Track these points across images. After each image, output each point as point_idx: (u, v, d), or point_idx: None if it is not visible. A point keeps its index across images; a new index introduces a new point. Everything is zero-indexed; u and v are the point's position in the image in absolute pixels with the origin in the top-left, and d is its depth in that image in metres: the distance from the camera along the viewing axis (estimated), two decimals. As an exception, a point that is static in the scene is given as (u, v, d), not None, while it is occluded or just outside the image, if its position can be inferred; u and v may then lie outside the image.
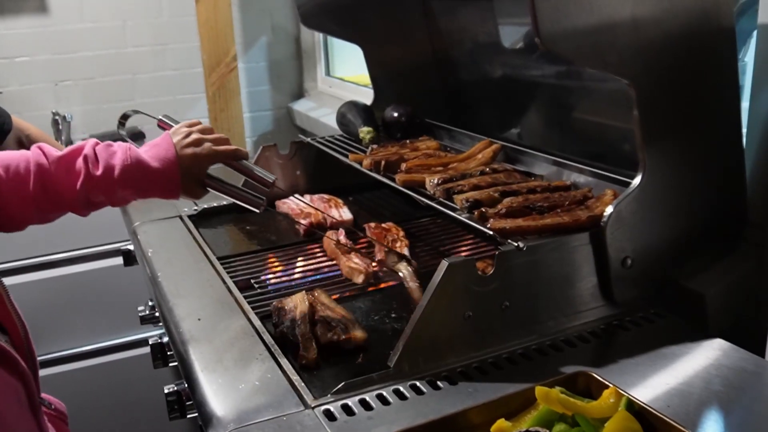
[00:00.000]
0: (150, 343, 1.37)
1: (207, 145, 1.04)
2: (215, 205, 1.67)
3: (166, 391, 1.16)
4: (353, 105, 1.80)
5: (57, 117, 2.69)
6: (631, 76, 1.00)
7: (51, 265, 2.31)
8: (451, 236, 1.50)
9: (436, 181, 1.26)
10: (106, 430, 2.33)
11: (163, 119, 1.18)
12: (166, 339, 1.36)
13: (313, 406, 0.91)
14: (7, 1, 2.63)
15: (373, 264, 1.32)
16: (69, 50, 2.76)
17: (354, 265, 1.29)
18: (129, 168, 0.99)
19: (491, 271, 0.99)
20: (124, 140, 1.11)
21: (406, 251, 1.35)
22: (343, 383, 0.94)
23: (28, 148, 1.59)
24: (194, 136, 1.04)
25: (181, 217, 1.63)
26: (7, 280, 1.00)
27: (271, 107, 3.08)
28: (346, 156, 1.58)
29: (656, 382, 0.91)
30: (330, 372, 1.01)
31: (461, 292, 0.97)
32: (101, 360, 2.42)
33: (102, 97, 2.84)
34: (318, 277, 1.34)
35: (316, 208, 1.57)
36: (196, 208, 1.67)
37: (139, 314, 1.54)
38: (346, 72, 2.95)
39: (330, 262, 1.39)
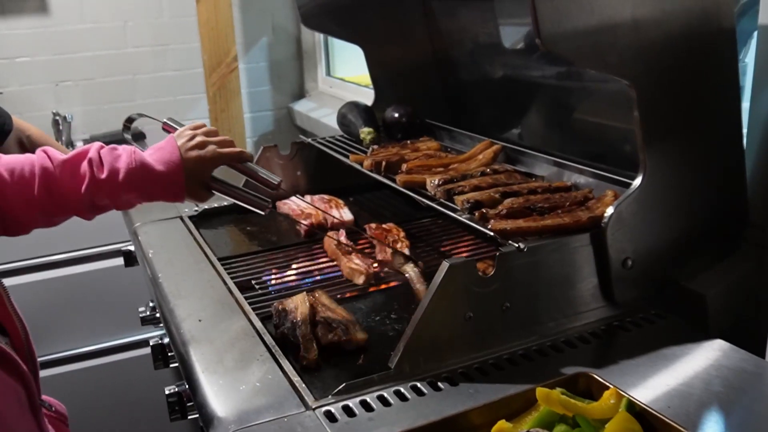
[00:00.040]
0: (151, 344, 1.37)
1: (211, 147, 1.04)
2: (216, 205, 1.67)
3: (166, 392, 1.16)
4: (354, 105, 1.80)
5: (57, 117, 2.69)
6: (632, 77, 1.00)
7: (51, 265, 2.31)
8: (452, 237, 1.50)
9: (436, 182, 1.27)
10: (107, 431, 2.33)
11: (168, 122, 1.18)
12: (166, 340, 1.36)
13: (313, 407, 0.91)
14: (8, 2, 2.63)
15: (374, 265, 1.32)
16: (69, 51, 2.76)
17: (355, 265, 1.29)
18: (134, 171, 0.99)
19: (492, 272, 0.99)
20: (128, 143, 1.11)
21: (406, 252, 1.35)
22: (343, 384, 0.94)
23: (28, 149, 1.60)
24: (198, 138, 1.04)
25: (181, 218, 1.64)
26: (8, 281, 1.00)
27: (271, 108, 3.08)
28: (347, 157, 1.58)
29: (656, 383, 0.91)
30: (331, 373, 1.01)
31: (462, 293, 0.97)
32: (101, 361, 2.42)
33: (102, 97, 2.84)
34: (319, 277, 1.34)
35: (318, 209, 1.57)
36: (196, 208, 1.67)
37: (140, 315, 1.54)
38: (346, 72, 2.96)
39: (331, 263, 1.39)
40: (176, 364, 1.24)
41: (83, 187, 0.97)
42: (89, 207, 1.00)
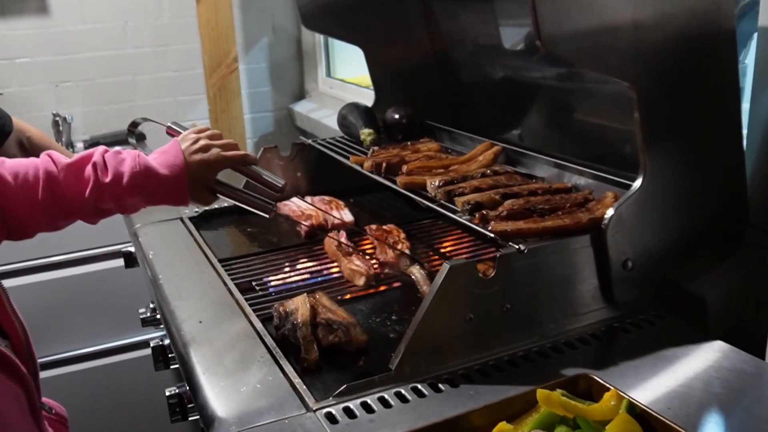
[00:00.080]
0: (151, 345, 1.37)
1: (215, 151, 1.04)
2: (216, 207, 1.67)
3: (167, 393, 1.16)
4: (354, 107, 1.80)
5: (57, 118, 2.69)
6: (632, 79, 1.00)
7: (52, 267, 2.32)
8: (452, 238, 1.50)
9: (437, 184, 1.27)
10: (106, 431, 2.33)
11: (172, 126, 1.19)
12: (167, 341, 1.36)
13: (314, 409, 0.91)
14: (8, 2, 2.63)
15: (375, 266, 1.32)
16: (69, 51, 2.76)
17: (355, 267, 1.29)
18: (138, 175, 0.99)
19: (492, 274, 0.99)
20: (133, 147, 1.11)
21: (408, 253, 1.35)
22: (344, 386, 0.94)
23: (29, 150, 1.60)
24: (202, 142, 1.04)
25: (182, 219, 1.64)
26: (8, 282, 1.00)
27: (271, 108, 3.08)
28: (347, 158, 1.59)
29: (657, 384, 0.92)
30: (331, 375, 1.01)
31: (462, 294, 0.98)
32: (102, 362, 2.43)
33: (102, 98, 2.84)
34: (319, 279, 1.34)
35: (318, 210, 1.57)
36: (197, 210, 1.67)
37: (140, 316, 1.54)
38: (346, 73, 2.96)
39: (331, 264, 1.39)
40: (177, 366, 1.24)
41: (87, 191, 0.97)
42: (93, 211, 1.00)
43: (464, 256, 1.41)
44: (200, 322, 1.16)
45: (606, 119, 1.42)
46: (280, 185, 1.13)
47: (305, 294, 1.17)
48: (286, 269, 1.39)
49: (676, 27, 1.01)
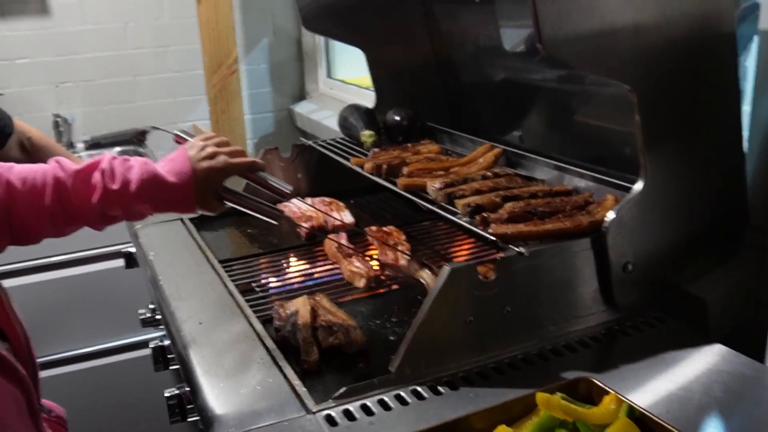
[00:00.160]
0: (151, 346, 1.37)
1: (222, 158, 1.04)
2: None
3: (166, 394, 1.16)
4: (355, 108, 1.80)
5: (58, 119, 2.69)
6: (633, 81, 1.00)
7: (51, 267, 2.32)
8: (453, 240, 1.50)
9: (437, 186, 1.27)
10: (105, 431, 2.33)
11: (180, 134, 1.19)
12: (166, 342, 1.36)
13: (314, 411, 0.91)
14: (9, 3, 2.64)
15: (375, 268, 1.32)
16: (70, 52, 2.76)
17: (355, 268, 1.29)
18: (146, 183, 0.99)
19: (493, 276, 0.99)
20: (140, 154, 1.11)
21: (407, 255, 1.35)
22: (344, 388, 0.94)
23: (30, 152, 1.59)
24: (210, 149, 1.04)
25: (182, 220, 1.64)
26: (8, 282, 1.00)
27: (272, 109, 3.08)
28: (348, 159, 1.59)
29: (656, 388, 0.92)
30: (331, 377, 1.01)
31: (463, 297, 0.98)
32: (101, 362, 2.42)
33: (103, 98, 2.84)
34: (319, 280, 1.34)
35: (318, 211, 1.57)
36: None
37: (140, 317, 1.54)
38: (347, 74, 2.96)
39: (331, 266, 1.39)
40: (176, 367, 1.24)
41: (95, 198, 0.97)
42: (101, 218, 1.00)
43: (464, 258, 1.41)
44: (200, 323, 1.16)
45: (606, 121, 1.42)
46: (288, 191, 1.12)
47: (305, 296, 1.17)
48: (287, 271, 1.39)
49: (677, 30, 1.01)
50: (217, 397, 0.95)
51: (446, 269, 0.96)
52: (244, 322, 1.15)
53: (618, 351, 1.03)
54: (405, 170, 1.39)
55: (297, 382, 0.97)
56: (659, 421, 0.76)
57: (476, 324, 0.99)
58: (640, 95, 1.00)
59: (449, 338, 0.98)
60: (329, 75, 3.03)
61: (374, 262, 1.35)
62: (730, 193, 1.14)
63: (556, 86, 1.54)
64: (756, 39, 1.18)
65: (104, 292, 2.34)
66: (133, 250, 1.65)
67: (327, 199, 1.67)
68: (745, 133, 1.15)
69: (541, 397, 0.79)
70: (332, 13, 1.82)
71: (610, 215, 1.04)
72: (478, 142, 1.58)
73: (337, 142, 1.78)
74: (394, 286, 1.29)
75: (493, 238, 1.06)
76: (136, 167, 1.00)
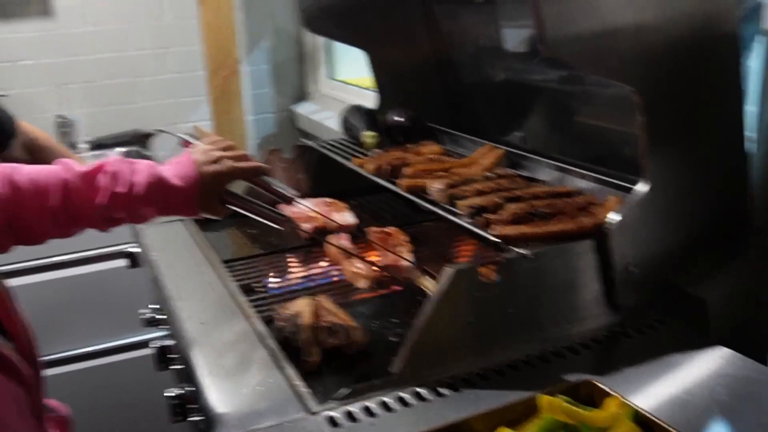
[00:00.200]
0: (152, 345, 1.37)
1: (228, 162, 1.04)
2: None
3: (168, 394, 1.16)
4: (356, 109, 1.80)
5: (61, 120, 2.69)
6: (634, 82, 0.99)
7: (54, 266, 2.32)
8: (454, 242, 1.50)
9: (439, 187, 1.26)
10: (106, 430, 2.33)
11: (186, 137, 1.19)
12: (168, 342, 1.36)
13: (316, 412, 0.90)
14: (11, 5, 2.64)
15: (376, 269, 1.32)
16: (72, 53, 2.77)
17: (357, 270, 1.29)
18: (152, 186, 0.99)
19: (495, 278, 0.99)
20: (146, 157, 1.11)
21: (409, 256, 1.35)
22: (345, 389, 0.93)
23: (33, 153, 1.59)
24: (215, 153, 1.04)
25: (183, 220, 1.64)
26: (11, 282, 1.00)
27: (273, 110, 3.08)
28: (349, 160, 1.58)
29: (659, 391, 0.91)
30: (332, 378, 1.01)
31: (465, 298, 0.97)
32: (101, 362, 2.43)
33: (105, 99, 2.84)
34: (321, 281, 1.34)
35: (320, 212, 1.56)
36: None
37: (142, 317, 1.54)
38: (348, 74, 2.95)
39: (333, 267, 1.39)
40: (177, 366, 1.24)
41: (101, 200, 0.97)
42: (106, 220, 1.00)
43: (466, 259, 1.41)
44: (202, 323, 1.16)
45: (607, 122, 1.42)
46: (292, 196, 1.12)
47: (307, 296, 1.17)
48: (288, 271, 1.39)
49: (678, 30, 1.01)
50: (218, 398, 0.95)
51: (449, 271, 0.96)
52: (246, 323, 1.15)
53: (620, 353, 1.02)
54: (406, 171, 1.39)
55: (298, 383, 0.97)
56: (663, 424, 0.75)
57: (478, 325, 0.99)
58: (642, 96, 1.00)
59: (451, 339, 0.98)
60: (330, 75, 3.03)
61: (375, 263, 1.35)
62: (732, 193, 1.14)
63: (557, 87, 1.54)
64: (764, 39, 1.17)
65: (106, 291, 2.34)
66: (135, 250, 1.65)
67: (329, 200, 1.67)
68: (752, 134, 1.15)
69: (543, 399, 0.78)
70: (333, 15, 1.82)
71: (613, 217, 1.03)
72: (479, 143, 1.58)
73: (339, 142, 1.78)
74: (396, 288, 1.29)
75: (495, 240, 1.06)
76: (142, 170, 1.00)
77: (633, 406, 0.78)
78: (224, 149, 1.06)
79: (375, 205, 1.78)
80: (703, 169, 1.10)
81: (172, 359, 1.35)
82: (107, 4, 2.77)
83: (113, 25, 2.80)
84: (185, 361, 1.09)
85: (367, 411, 0.91)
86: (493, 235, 1.06)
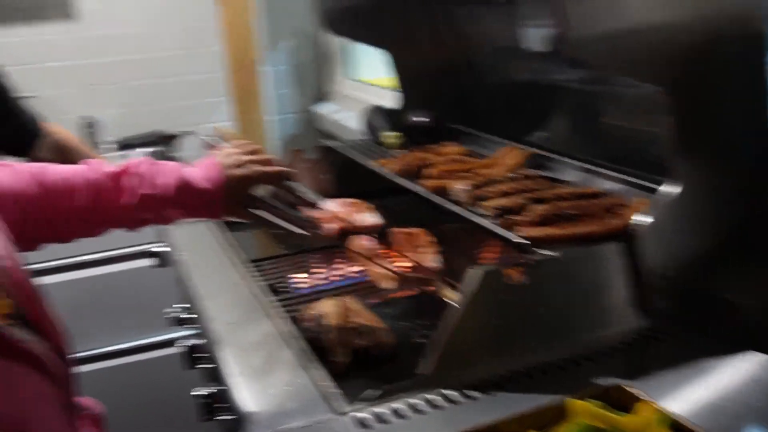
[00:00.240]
0: (180, 345, 1.38)
1: (254, 166, 1.04)
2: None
3: (197, 393, 1.17)
4: (378, 110, 1.80)
5: (87, 121, 2.72)
6: (663, 83, 0.99)
7: (81, 265, 2.35)
8: (480, 243, 1.49)
9: (463, 188, 1.26)
10: (134, 427, 2.35)
11: (210, 140, 1.19)
12: (195, 341, 1.37)
13: (345, 413, 0.91)
14: (37, 9, 2.67)
15: (402, 269, 1.32)
16: (97, 55, 2.80)
17: (382, 270, 1.29)
18: (178, 188, 1.00)
19: (523, 280, 0.98)
20: (171, 158, 1.12)
21: (434, 258, 1.35)
22: (374, 390, 0.94)
23: (59, 154, 1.61)
24: (241, 157, 1.05)
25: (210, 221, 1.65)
26: (41, 280, 1.01)
27: (294, 110, 3.09)
28: (371, 160, 1.59)
29: (692, 396, 0.90)
30: (359, 379, 1.01)
31: (493, 300, 0.97)
32: (127, 360, 2.45)
33: (130, 101, 2.87)
34: (347, 282, 1.34)
35: (344, 213, 1.57)
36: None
37: (168, 316, 1.56)
38: (368, 74, 2.96)
39: (359, 267, 1.39)
40: (206, 366, 1.25)
41: (128, 201, 0.98)
42: (132, 221, 1.01)
43: (493, 261, 1.41)
44: (229, 322, 1.16)
45: (633, 122, 1.41)
46: (315, 202, 1.12)
47: (334, 297, 1.17)
48: (314, 271, 1.40)
49: (708, 30, 1.00)
50: (246, 397, 0.95)
51: (477, 272, 0.95)
52: (272, 323, 1.15)
53: (650, 357, 1.01)
54: (429, 172, 1.39)
55: (326, 384, 0.97)
56: (698, 430, 0.75)
57: (506, 327, 0.99)
58: (670, 97, 0.99)
59: (479, 341, 0.98)
60: (350, 75, 3.03)
61: (400, 264, 1.35)
62: (765, 196, 1.12)
63: (580, 87, 1.53)
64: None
65: (132, 290, 2.37)
66: (162, 249, 1.66)
67: (353, 201, 1.67)
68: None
69: (575, 404, 0.78)
70: (354, 16, 1.82)
71: (642, 219, 1.03)
72: (503, 144, 1.57)
73: (360, 143, 1.78)
74: (423, 289, 1.29)
75: (522, 241, 1.06)
76: (168, 172, 1.01)
77: (666, 411, 0.77)
78: (250, 153, 1.07)
79: (398, 207, 1.77)
80: (733, 171, 1.08)
81: (200, 358, 1.36)
82: (130, 7, 2.80)
83: (136, 27, 2.83)
84: (213, 360, 1.10)
85: (397, 413, 0.91)
86: (520, 237, 1.06)
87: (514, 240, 1.07)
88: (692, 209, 1.05)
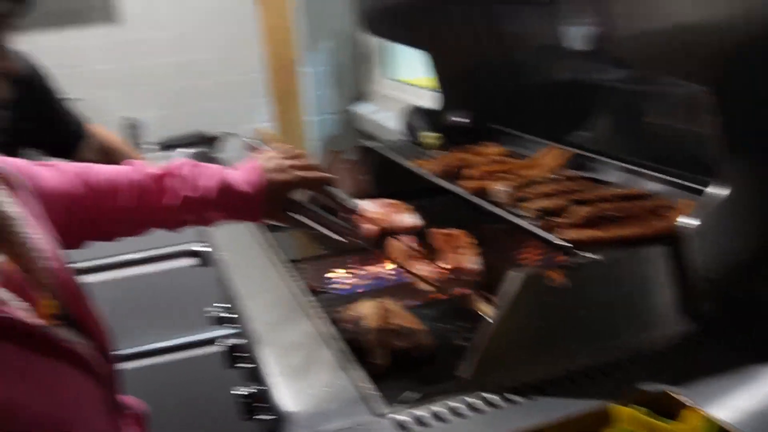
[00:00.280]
0: (220, 344, 1.40)
1: (295, 171, 1.05)
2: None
3: (238, 392, 1.18)
4: (418, 110, 1.80)
5: (129, 122, 2.77)
6: (708, 82, 0.96)
7: (125, 264, 2.39)
8: (520, 245, 1.48)
9: (504, 189, 1.25)
10: (174, 425, 2.38)
11: (253, 142, 1.21)
12: (235, 341, 1.38)
13: (384, 415, 0.90)
14: (80, 13, 2.74)
15: (442, 271, 1.31)
16: (139, 57, 2.85)
17: (422, 271, 1.28)
18: (219, 190, 1.01)
19: (565, 283, 0.97)
20: (213, 159, 1.14)
21: (473, 260, 1.33)
22: (414, 393, 0.93)
23: (103, 155, 1.64)
24: (283, 162, 1.06)
25: (249, 221, 1.66)
26: (85, 279, 1.04)
27: (333, 111, 3.11)
28: (411, 161, 1.58)
29: (740, 404, 0.87)
30: (399, 381, 1.00)
31: (534, 303, 0.96)
32: (167, 358, 2.48)
33: (171, 102, 2.92)
34: (386, 283, 1.34)
35: (383, 213, 1.56)
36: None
37: (209, 314, 1.57)
38: (407, 74, 2.95)
39: (398, 269, 1.39)
40: (246, 365, 1.26)
41: (170, 203, 1.00)
42: (173, 222, 1.03)
43: (534, 264, 1.39)
44: (269, 322, 1.17)
45: (678, 121, 1.38)
46: (354, 208, 1.12)
47: (374, 298, 1.17)
48: (353, 272, 1.40)
49: (752, 27, 0.97)
50: (287, 397, 0.96)
51: (518, 275, 0.94)
52: (311, 323, 1.16)
53: (697, 363, 0.99)
54: (471, 172, 1.38)
55: (365, 385, 0.97)
56: (745, 437, 0.73)
57: (548, 330, 0.97)
58: (719, 97, 0.96)
59: (520, 345, 0.97)
60: (389, 76, 3.03)
61: (440, 266, 1.34)
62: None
63: (622, 86, 1.50)
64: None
65: (172, 289, 2.40)
66: (204, 249, 1.68)
67: (392, 201, 1.67)
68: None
69: (620, 410, 0.77)
70: (394, 17, 1.82)
71: (688, 221, 1.00)
72: (542, 144, 1.56)
73: (400, 143, 1.78)
74: (462, 290, 1.28)
75: (564, 244, 1.04)
76: (211, 175, 1.02)
77: (716, 419, 0.76)
78: (292, 157, 1.07)
79: (437, 207, 1.77)
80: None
81: (240, 357, 1.37)
82: (171, 10, 2.85)
83: (177, 29, 2.88)
84: (253, 360, 1.11)
85: (437, 416, 0.90)
86: (563, 239, 1.04)
87: (556, 242, 1.05)
88: (740, 211, 1.02)
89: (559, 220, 1.09)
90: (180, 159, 1.07)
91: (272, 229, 1.62)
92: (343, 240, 1.13)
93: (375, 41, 3.00)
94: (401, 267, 1.38)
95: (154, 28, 2.85)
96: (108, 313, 0.96)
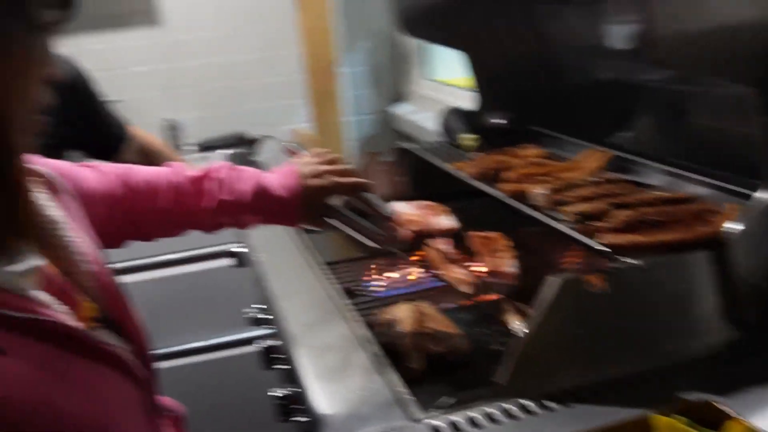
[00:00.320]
0: (257, 345, 1.41)
1: (331, 177, 1.06)
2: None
3: (274, 394, 1.19)
4: (456, 111, 1.79)
5: (169, 124, 2.82)
6: (754, 83, 0.93)
7: (163, 264, 2.43)
8: (559, 250, 1.45)
9: (542, 192, 1.23)
10: (211, 425, 2.41)
11: (291, 146, 1.21)
12: (272, 342, 1.39)
13: (419, 420, 0.90)
14: (123, 15, 2.79)
15: (478, 275, 1.30)
16: (179, 59, 2.90)
17: (458, 275, 1.28)
18: (255, 194, 1.02)
19: (605, 289, 0.95)
20: (251, 161, 1.15)
21: (511, 263, 1.32)
22: (449, 398, 0.93)
23: (144, 157, 1.67)
24: (319, 167, 1.06)
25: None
26: (124, 279, 1.05)
27: (371, 111, 3.11)
28: (449, 163, 1.57)
29: (788, 415, 0.85)
30: (434, 385, 1.00)
31: (573, 309, 0.94)
32: (204, 358, 2.52)
33: (211, 103, 2.96)
34: (421, 286, 1.34)
35: (420, 215, 1.56)
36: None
37: (246, 315, 1.59)
38: (445, 75, 2.94)
39: (434, 272, 1.38)
40: (282, 366, 1.27)
41: (208, 206, 1.01)
42: (210, 224, 1.04)
43: (573, 269, 1.37)
44: (305, 323, 1.18)
45: (724, 123, 1.34)
46: (388, 214, 1.11)
47: (409, 302, 1.17)
48: (388, 275, 1.39)
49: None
50: (323, 399, 0.96)
51: (556, 280, 0.93)
52: (347, 326, 1.16)
53: (741, 372, 0.96)
54: (509, 175, 1.36)
55: (401, 389, 0.96)
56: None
57: (586, 337, 0.96)
58: (763, 97, 0.94)
59: (558, 351, 0.95)
60: (427, 76, 3.02)
61: (477, 269, 1.33)
62: None
63: (666, 86, 1.47)
64: None
65: (210, 289, 2.43)
66: (241, 250, 1.70)
67: (429, 203, 1.66)
68: None
69: (661, 420, 0.75)
70: (432, 17, 1.81)
71: (735, 226, 0.97)
72: (582, 146, 1.53)
73: (437, 145, 1.77)
74: (498, 295, 1.27)
75: (604, 249, 1.02)
76: (248, 178, 1.03)
77: (759, 430, 0.73)
78: (328, 163, 1.08)
79: (474, 210, 1.75)
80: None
81: (276, 359, 1.38)
82: (211, 13, 2.89)
83: (217, 31, 2.92)
84: (289, 362, 1.11)
85: (472, 422, 0.89)
86: (603, 244, 1.02)
87: (595, 247, 1.03)
88: (789, 216, 0.99)
89: (599, 224, 1.07)
90: (219, 162, 1.09)
91: (308, 231, 1.62)
92: (377, 246, 1.13)
93: (413, 41, 2.99)
94: (435, 271, 1.37)
95: (194, 30, 2.89)
96: (146, 313, 0.97)
